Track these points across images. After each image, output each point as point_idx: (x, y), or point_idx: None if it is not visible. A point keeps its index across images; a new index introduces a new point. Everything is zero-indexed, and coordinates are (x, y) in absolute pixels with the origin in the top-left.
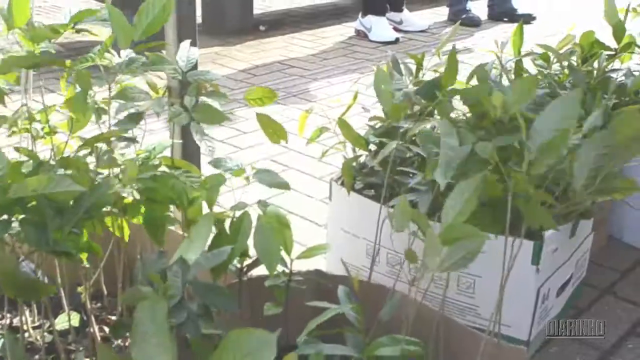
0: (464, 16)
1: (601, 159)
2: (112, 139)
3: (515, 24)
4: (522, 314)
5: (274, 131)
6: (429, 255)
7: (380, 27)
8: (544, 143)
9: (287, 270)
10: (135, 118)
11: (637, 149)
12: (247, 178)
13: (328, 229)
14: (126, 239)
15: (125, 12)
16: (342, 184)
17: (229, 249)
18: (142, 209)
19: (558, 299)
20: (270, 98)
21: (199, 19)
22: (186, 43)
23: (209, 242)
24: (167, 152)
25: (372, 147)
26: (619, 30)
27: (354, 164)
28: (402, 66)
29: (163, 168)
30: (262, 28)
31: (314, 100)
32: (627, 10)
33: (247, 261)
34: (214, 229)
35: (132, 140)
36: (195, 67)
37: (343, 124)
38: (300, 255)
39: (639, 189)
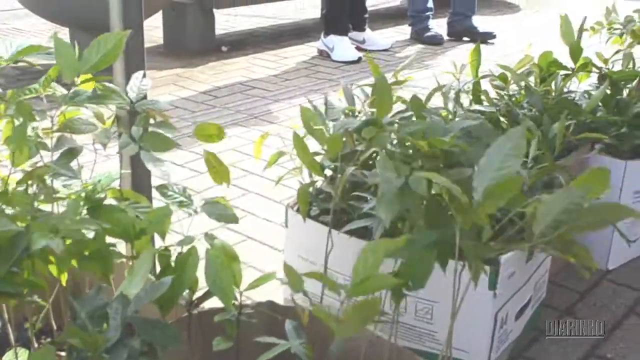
0: (426, 35)
1: (568, 215)
2: (48, 175)
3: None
4: (480, 339)
5: (218, 172)
6: None
7: (342, 46)
8: (491, 187)
9: (237, 304)
10: (74, 153)
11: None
12: (194, 210)
13: (285, 256)
14: (63, 279)
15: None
16: (298, 210)
17: (169, 279)
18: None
19: (517, 322)
20: (219, 135)
21: (160, 41)
22: (139, 74)
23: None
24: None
25: (328, 172)
26: (575, 51)
27: (311, 189)
28: (358, 90)
29: (111, 200)
30: (224, 49)
31: (275, 122)
32: (581, 29)
33: (198, 294)
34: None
35: (72, 175)
36: (145, 96)
37: (299, 145)
38: (248, 287)
39: (591, 261)
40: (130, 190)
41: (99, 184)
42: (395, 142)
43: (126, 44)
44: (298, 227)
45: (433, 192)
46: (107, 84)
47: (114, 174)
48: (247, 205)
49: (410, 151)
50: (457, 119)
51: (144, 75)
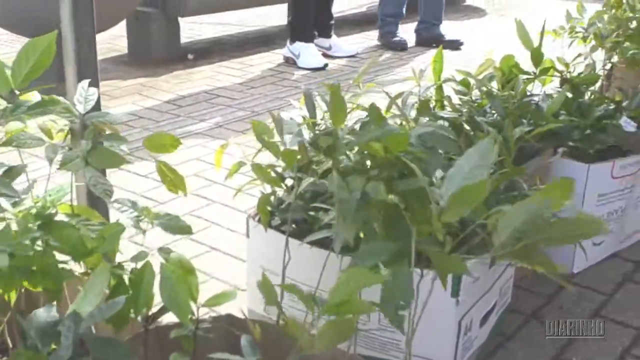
0: (391, 39)
1: (529, 226)
2: None
3: (445, 50)
4: (444, 346)
5: (173, 181)
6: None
7: (308, 53)
8: (457, 193)
9: (194, 318)
10: (15, 172)
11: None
12: (150, 223)
13: (247, 266)
14: (13, 296)
15: None
16: (260, 220)
17: (123, 299)
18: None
19: (482, 329)
20: (173, 145)
21: (124, 50)
22: (84, 83)
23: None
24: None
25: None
26: (536, 55)
27: (272, 198)
28: (319, 98)
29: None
30: (190, 57)
31: (239, 130)
32: (542, 33)
33: (154, 309)
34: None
35: (13, 194)
36: (97, 107)
37: (256, 168)
38: (207, 303)
39: (555, 270)
40: (83, 206)
41: (49, 199)
42: (355, 149)
43: (78, 55)
44: (259, 238)
45: (391, 200)
46: (55, 96)
47: (66, 188)
48: (211, 216)
49: (368, 162)
50: (414, 127)
51: (96, 85)
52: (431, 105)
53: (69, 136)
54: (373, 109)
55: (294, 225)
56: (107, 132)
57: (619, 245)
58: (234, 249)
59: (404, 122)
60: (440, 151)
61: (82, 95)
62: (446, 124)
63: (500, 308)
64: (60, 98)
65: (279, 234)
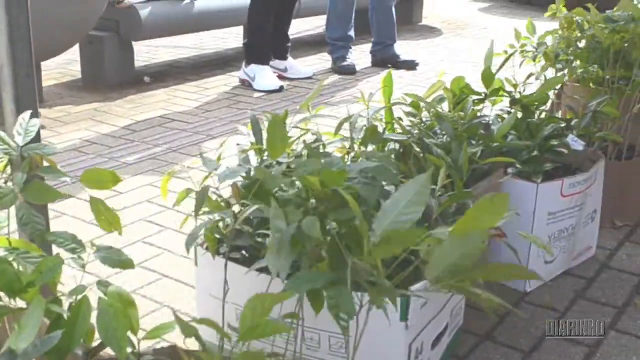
0: (340, 64)
1: (465, 259)
2: None
3: (399, 70)
4: None
5: (107, 219)
6: None
7: (264, 75)
8: (387, 234)
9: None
10: None
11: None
12: (90, 255)
13: (197, 295)
14: None
15: None
16: (208, 248)
17: (59, 334)
18: None
19: (434, 351)
20: (111, 182)
21: (78, 75)
22: (25, 114)
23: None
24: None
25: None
26: (486, 76)
27: (220, 225)
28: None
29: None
30: (147, 79)
31: (193, 155)
32: (491, 53)
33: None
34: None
35: None
36: (37, 139)
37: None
38: (147, 336)
39: (492, 302)
40: (21, 239)
41: None
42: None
43: (16, 85)
44: (208, 266)
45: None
46: None
47: (2, 221)
48: (163, 242)
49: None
50: (359, 159)
51: (37, 115)
52: (382, 127)
53: (8, 168)
54: (309, 146)
55: (243, 252)
56: (45, 164)
57: (571, 262)
58: (186, 275)
59: (353, 146)
60: (382, 182)
61: (23, 126)
62: (397, 145)
63: (452, 330)
64: None
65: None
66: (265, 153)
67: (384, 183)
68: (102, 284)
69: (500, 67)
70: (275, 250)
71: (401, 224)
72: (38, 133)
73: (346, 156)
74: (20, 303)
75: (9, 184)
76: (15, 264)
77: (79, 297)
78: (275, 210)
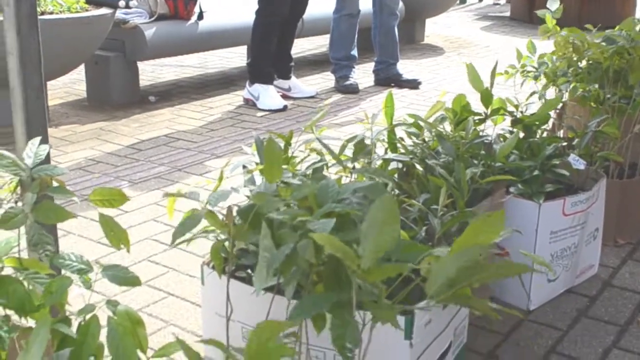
0: (342, 84)
1: (463, 273)
2: None
3: (402, 89)
4: None
5: (116, 235)
6: None
7: (267, 95)
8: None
9: None
10: None
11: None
12: (98, 273)
13: (203, 314)
14: None
15: None
16: (214, 267)
17: (67, 352)
18: None
19: None
20: (119, 201)
21: (84, 94)
22: (35, 140)
23: None
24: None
25: None
26: (485, 97)
27: (226, 244)
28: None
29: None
30: (152, 99)
31: (198, 174)
32: (493, 73)
33: None
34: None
35: None
36: (47, 160)
37: (209, 216)
38: (155, 355)
39: (490, 312)
40: (32, 259)
41: None
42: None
43: (27, 107)
44: (214, 285)
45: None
46: (1, 151)
47: (13, 241)
48: (169, 261)
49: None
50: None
51: (45, 135)
52: (384, 148)
53: (19, 189)
54: (315, 170)
55: (248, 271)
56: (54, 184)
57: (574, 280)
58: (192, 294)
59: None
60: None
61: (32, 150)
62: (400, 165)
63: (456, 348)
64: (5, 152)
65: (233, 280)
66: None
67: None
68: (111, 304)
69: (491, 84)
70: (263, 268)
71: (385, 246)
72: (48, 153)
73: (345, 177)
74: (30, 322)
75: (19, 204)
76: (25, 284)
77: (88, 316)
78: (265, 231)
